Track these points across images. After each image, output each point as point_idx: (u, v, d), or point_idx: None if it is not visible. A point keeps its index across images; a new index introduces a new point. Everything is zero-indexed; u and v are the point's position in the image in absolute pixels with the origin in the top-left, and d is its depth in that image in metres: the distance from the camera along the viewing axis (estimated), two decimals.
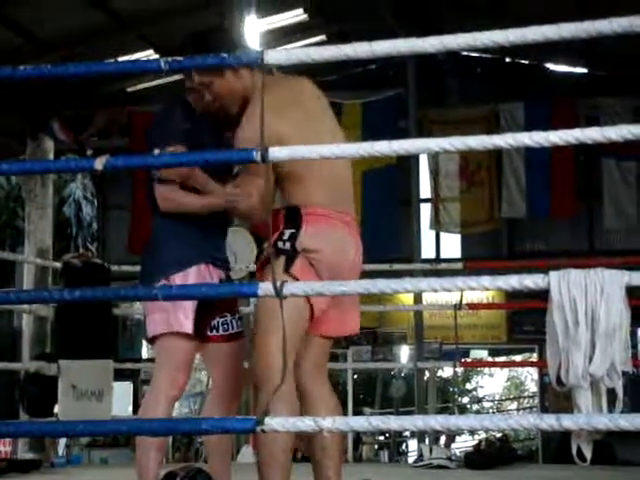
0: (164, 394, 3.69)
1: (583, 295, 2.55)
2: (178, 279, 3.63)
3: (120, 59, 11.83)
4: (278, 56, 2.64)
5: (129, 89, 13.64)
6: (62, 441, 11.52)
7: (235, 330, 3.84)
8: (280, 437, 3.24)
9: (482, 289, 2.58)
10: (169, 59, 2.64)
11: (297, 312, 3.32)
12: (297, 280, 3.28)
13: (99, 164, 2.65)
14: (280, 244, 3.39)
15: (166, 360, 3.70)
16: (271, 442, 3.30)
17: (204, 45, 3.49)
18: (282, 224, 3.43)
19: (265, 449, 3.35)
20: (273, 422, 2.44)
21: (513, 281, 2.48)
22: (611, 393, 2.69)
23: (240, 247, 9.79)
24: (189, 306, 3.62)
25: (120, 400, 10.69)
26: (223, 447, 3.95)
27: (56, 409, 6.67)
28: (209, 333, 3.79)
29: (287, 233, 3.40)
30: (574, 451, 2.77)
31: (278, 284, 2.57)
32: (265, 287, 2.61)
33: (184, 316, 3.63)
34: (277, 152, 2.64)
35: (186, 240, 3.71)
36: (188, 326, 3.64)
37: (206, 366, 3.97)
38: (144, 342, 14.84)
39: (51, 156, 12.83)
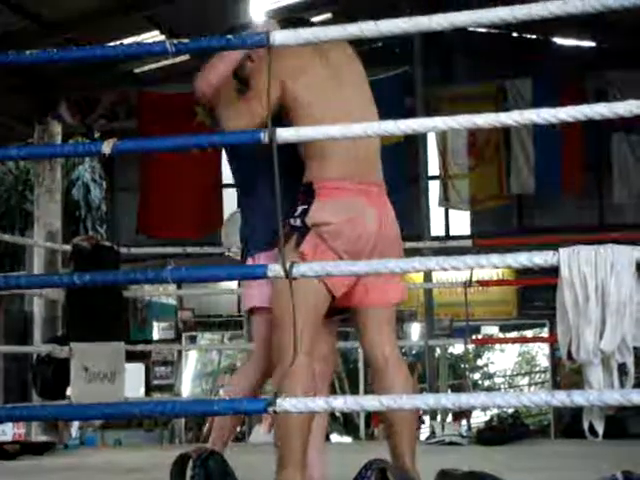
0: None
1: (593, 271, 2.54)
2: (263, 257, 3.71)
3: (126, 41, 11.77)
4: (284, 37, 2.62)
5: (136, 70, 13.60)
6: (75, 423, 11.54)
7: None
8: (294, 416, 3.20)
9: (491, 267, 2.57)
10: (175, 41, 2.62)
11: (309, 291, 3.25)
12: (305, 258, 3.25)
13: (107, 148, 2.64)
14: (292, 221, 3.37)
15: (256, 332, 3.89)
16: (285, 421, 3.24)
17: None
18: (299, 201, 3.41)
19: (279, 429, 3.29)
20: (285, 403, 2.45)
21: (523, 259, 2.47)
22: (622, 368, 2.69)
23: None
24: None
25: (132, 381, 10.71)
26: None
27: (68, 391, 6.70)
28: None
29: (299, 209, 3.38)
30: (586, 426, 2.78)
31: (288, 265, 2.56)
32: (274, 268, 2.61)
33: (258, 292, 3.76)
34: (284, 132, 2.64)
35: (272, 221, 3.81)
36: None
37: None
38: (155, 323, 14.88)
39: (59, 139, 12.79)
